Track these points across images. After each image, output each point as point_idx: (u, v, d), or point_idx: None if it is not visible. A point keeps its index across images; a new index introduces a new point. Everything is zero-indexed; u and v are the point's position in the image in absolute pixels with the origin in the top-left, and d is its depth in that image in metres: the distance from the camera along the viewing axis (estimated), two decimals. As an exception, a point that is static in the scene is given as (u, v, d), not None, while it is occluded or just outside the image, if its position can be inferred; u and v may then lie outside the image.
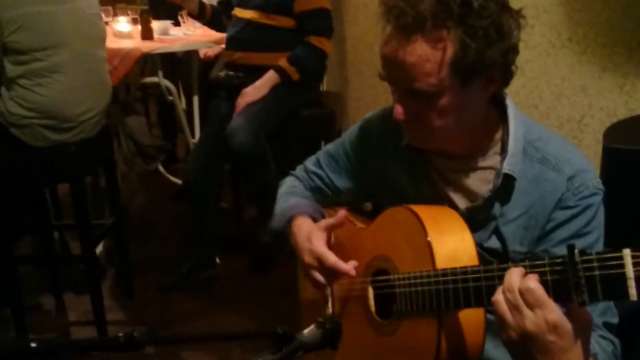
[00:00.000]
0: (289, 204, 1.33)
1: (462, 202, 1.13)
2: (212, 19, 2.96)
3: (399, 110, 1.05)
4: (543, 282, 0.81)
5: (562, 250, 1.04)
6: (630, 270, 0.73)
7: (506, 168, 1.06)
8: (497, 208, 1.09)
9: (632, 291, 0.73)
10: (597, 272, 0.77)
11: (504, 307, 0.83)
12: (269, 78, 2.56)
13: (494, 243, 1.10)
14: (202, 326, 2.50)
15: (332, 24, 2.66)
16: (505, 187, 1.08)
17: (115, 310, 2.64)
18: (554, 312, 0.80)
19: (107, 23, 3.42)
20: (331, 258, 1.15)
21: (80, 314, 2.61)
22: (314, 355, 1.28)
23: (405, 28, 0.98)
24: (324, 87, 3.88)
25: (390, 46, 1.01)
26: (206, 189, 2.75)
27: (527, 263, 0.84)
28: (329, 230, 1.21)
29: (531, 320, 0.81)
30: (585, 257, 0.78)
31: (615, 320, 1.05)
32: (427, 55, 0.98)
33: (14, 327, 2.45)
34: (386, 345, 1.09)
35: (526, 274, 0.83)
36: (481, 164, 1.12)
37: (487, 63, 1.00)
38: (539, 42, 2.42)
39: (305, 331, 0.99)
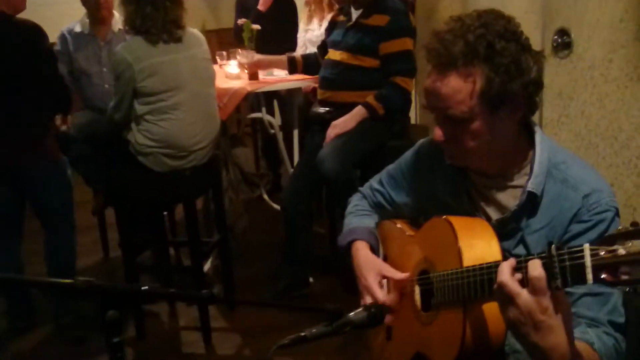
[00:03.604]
0: (350, 227, 1.59)
1: (494, 214, 1.31)
2: (305, 68, 3.29)
3: (438, 133, 1.27)
4: None
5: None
6: (588, 260, 0.90)
7: (530, 187, 1.24)
8: (523, 220, 1.26)
9: (589, 276, 0.90)
10: (567, 263, 0.94)
11: (504, 290, 1.01)
12: (357, 112, 2.82)
13: (520, 250, 1.26)
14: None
15: (415, 65, 2.87)
16: (530, 203, 1.25)
17: (219, 319, 2.97)
18: (547, 297, 0.97)
19: (220, 66, 3.88)
20: (379, 296, 1.39)
21: (189, 320, 2.96)
22: (374, 341, 1.51)
23: (441, 66, 1.21)
24: (417, 120, 4.09)
25: (430, 80, 1.23)
26: (299, 214, 3.03)
27: (522, 258, 1.02)
28: (381, 276, 1.45)
29: (525, 299, 0.98)
30: (559, 252, 0.95)
31: (621, 320, 1.18)
32: (460, 87, 1.19)
33: (134, 328, 2.85)
34: (426, 333, 1.29)
35: (516, 266, 1.01)
36: (513, 182, 1.30)
37: (510, 94, 1.19)
38: (617, 76, 2.48)
39: (354, 312, 1.22)
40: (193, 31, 2.74)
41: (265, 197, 4.25)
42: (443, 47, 1.19)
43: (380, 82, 2.84)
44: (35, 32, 2.65)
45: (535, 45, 1.27)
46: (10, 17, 2.63)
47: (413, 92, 3.63)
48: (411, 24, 2.93)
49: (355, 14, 2.91)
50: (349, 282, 3.06)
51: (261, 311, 2.98)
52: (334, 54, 2.93)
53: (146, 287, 0.99)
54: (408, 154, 1.54)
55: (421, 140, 1.52)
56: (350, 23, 2.91)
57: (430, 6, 3.73)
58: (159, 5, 2.55)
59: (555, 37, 2.65)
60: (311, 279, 3.21)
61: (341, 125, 2.82)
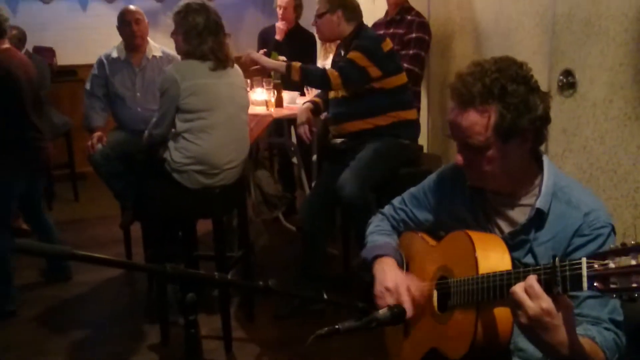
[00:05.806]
0: (376, 243, 1.78)
1: (506, 228, 1.52)
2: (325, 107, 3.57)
3: (459, 158, 1.49)
4: (538, 280, 1.19)
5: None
6: (584, 270, 1.10)
7: (538, 204, 1.45)
8: (532, 233, 1.47)
9: (585, 285, 1.10)
10: (567, 273, 1.14)
11: (516, 298, 1.20)
12: (278, 64, 3.26)
13: (529, 259, 1.46)
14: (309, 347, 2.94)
15: (351, 70, 3.04)
16: (538, 218, 1.45)
17: (238, 330, 3.15)
18: (546, 301, 1.17)
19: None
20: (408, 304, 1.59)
21: (210, 330, 3.14)
22: (391, 338, 1.70)
23: (462, 103, 1.43)
24: (428, 149, 4.31)
25: (453, 114, 1.46)
26: (316, 232, 3.24)
27: (530, 268, 1.23)
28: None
29: (532, 308, 1.18)
30: (562, 263, 1.15)
31: (620, 318, 1.38)
32: (477, 121, 1.41)
33: (160, 337, 3.03)
34: (442, 331, 1.48)
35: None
36: (523, 202, 1.51)
37: (520, 127, 1.41)
38: (617, 115, 2.69)
39: (380, 311, 1.42)
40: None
41: (281, 218, 4.45)
42: (464, 87, 1.42)
43: (379, 104, 3.11)
44: None
45: (542, 84, 1.49)
46: None
47: (425, 125, 3.87)
48: (374, 49, 3.08)
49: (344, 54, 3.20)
50: (360, 298, 3.30)
51: (279, 323, 3.17)
52: (334, 94, 3.25)
53: (217, 274, 1.19)
54: (431, 177, 1.76)
55: (443, 167, 1.75)
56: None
57: (445, 45, 3.98)
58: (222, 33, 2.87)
59: (561, 77, 2.86)
60: (325, 295, 3.38)
61: (261, 60, 3.31)
